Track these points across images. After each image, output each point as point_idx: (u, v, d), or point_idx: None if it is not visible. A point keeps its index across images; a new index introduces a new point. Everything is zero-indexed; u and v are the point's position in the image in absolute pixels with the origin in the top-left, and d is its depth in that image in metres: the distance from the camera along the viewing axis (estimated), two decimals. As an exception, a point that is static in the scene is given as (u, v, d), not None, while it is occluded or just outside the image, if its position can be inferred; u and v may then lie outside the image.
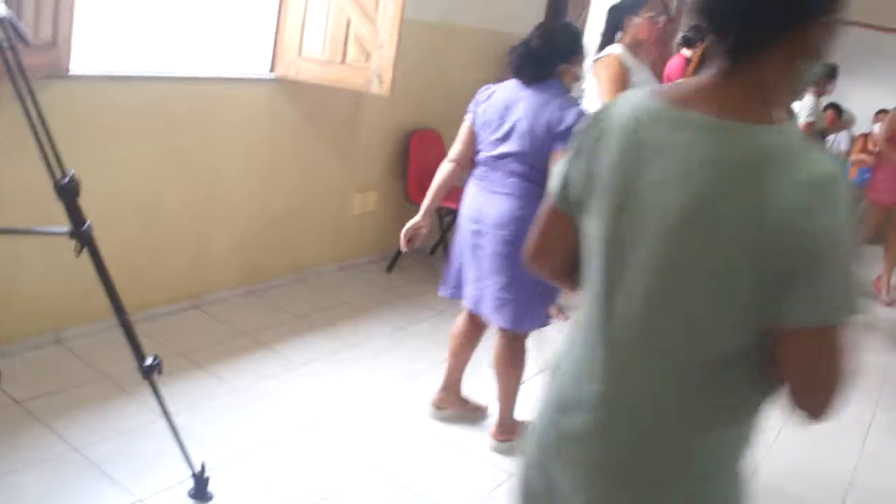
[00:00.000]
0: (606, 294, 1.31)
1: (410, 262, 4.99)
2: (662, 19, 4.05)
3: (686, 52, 6.62)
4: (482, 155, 3.09)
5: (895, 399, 4.49)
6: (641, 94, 1.32)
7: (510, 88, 3.07)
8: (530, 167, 2.93)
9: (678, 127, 1.24)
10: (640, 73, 3.86)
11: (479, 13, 5.13)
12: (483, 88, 3.15)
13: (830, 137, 8.53)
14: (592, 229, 1.34)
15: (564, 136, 2.81)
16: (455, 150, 3.17)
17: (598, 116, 1.37)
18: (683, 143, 1.22)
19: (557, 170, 1.44)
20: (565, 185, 1.41)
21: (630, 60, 3.84)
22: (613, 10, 4.08)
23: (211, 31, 4.03)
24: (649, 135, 1.26)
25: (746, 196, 1.15)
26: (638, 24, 3.94)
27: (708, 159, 1.19)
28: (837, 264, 1.14)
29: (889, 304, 6.44)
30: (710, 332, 1.23)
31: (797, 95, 1.27)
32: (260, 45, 4.10)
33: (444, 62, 5.01)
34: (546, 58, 3.03)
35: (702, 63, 4.79)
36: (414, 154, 4.88)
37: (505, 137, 3.00)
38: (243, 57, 4.12)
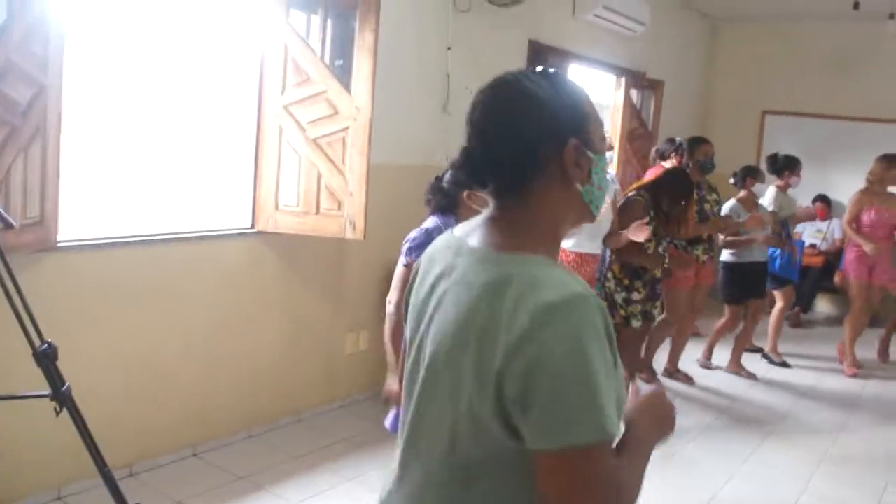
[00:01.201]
0: (406, 399, 1.42)
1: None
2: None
3: (664, 163, 6.91)
4: None
5: None
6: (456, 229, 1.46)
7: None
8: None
9: (458, 255, 1.34)
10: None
11: (454, 152, 5.43)
12: (414, 233, 3.40)
13: (822, 226, 8.75)
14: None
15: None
16: (394, 297, 3.29)
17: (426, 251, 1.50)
18: (458, 269, 1.32)
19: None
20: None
21: None
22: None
23: (192, 190, 4.34)
24: (440, 262, 1.38)
25: (487, 322, 1.20)
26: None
27: (469, 285, 1.27)
28: (569, 388, 1.13)
29: (853, 375, 6.62)
30: (461, 442, 1.26)
31: (585, 216, 1.38)
32: (240, 201, 4.40)
33: (422, 201, 5.27)
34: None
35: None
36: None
37: None
38: (225, 214, 4.41)
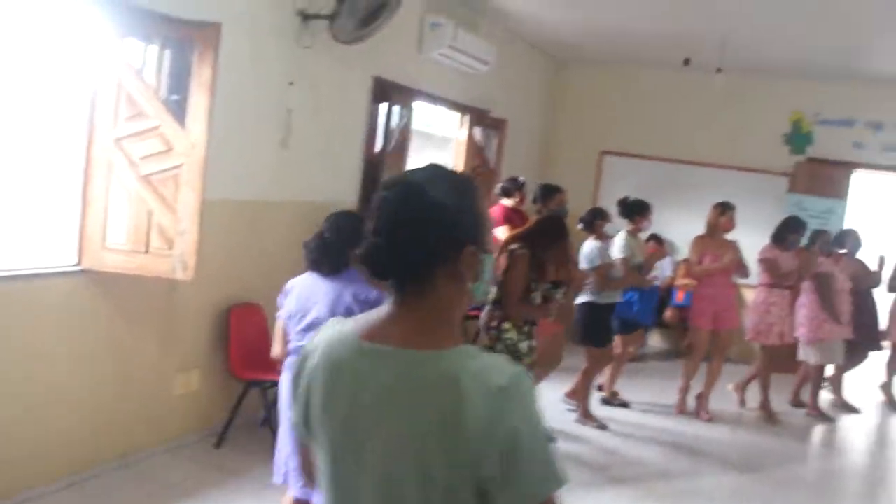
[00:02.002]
0: None
1: (239, 435, 5.01)
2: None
3: (506, 201, 7.07)
4: (292, 345, 3.28)
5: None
6: (341, 327, 1.49)
7: (309, 281, 3.29)
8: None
9: (369, 358, 1.41)
10: None
11: (293, 186, 5.38)
12: (288, 283, 3.38)
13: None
14: (321, 460, 1.49)
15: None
16: (276, 350, 3.38)
17: (305, 352, 1.53)
18: (386, 373, 1.38)
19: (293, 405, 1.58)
20: (300, 419, 1.54)
21: None
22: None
23: (14, 225, 4.11)
24: (348, 368, 1.43)
25: (449, 417, 1.32)
26: None
27: (398, 387, 1.37)
28: (538, 457, 1.33)
29: (708, 420, 6.80)
30: None
31: (467, 307, 1.53)
32: (65, 238, 4.19)
33: (260, 236, 5.20)
34: (340, 249, 3.27)
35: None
36: (235, 329, 4.97)
37: (308, 328, 3.20)
38: (47, 250, 4.19)
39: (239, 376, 4.89)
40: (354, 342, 1.43)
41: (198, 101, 4.01)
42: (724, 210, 6.81)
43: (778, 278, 6.94)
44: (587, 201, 9.20)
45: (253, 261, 5.16)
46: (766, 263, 6.96)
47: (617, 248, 6.57)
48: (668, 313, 7.49)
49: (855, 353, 7.64)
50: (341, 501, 1.45)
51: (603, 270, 6.20)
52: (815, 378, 7.44)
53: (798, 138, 9.23)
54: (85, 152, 4.15)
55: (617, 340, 6.84)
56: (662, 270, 9.13)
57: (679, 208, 8.97)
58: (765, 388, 7.11)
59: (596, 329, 6.29)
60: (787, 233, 6.98)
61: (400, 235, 1.39)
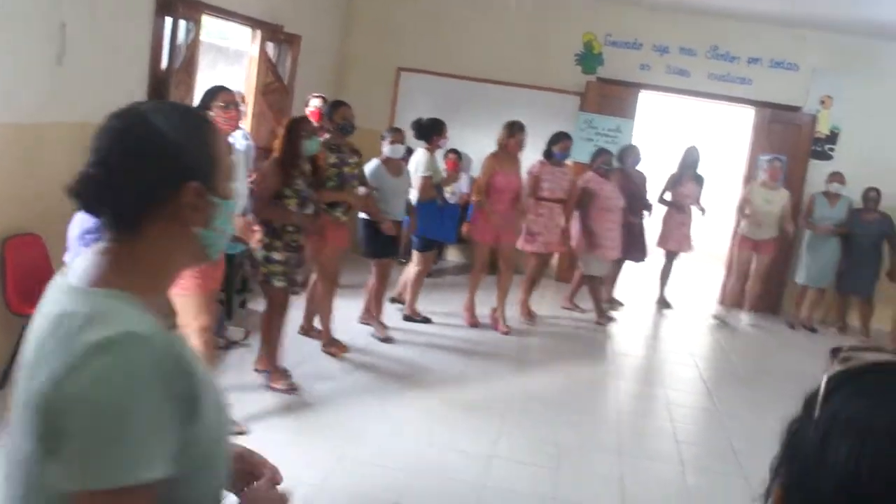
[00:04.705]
0: None
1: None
2: (234, 108, 4.40)
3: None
4: None
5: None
6: (72, 266, 1.35)
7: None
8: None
9: (52, 290, 1.31)
10: None
11: (72, 107, 5.01)
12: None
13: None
14: None
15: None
16: None
17: None
18: (45, 303, 1.29)
19: None
20: None
21: None
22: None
23: None
24: (46, 297, 1.32)
25: (42, 359, 1.19)
26: (212, 114, 4.31)
27: (43, 318, 1.25)
28: (101, 430, 1.11)
29: (506, 333, 7.14)
30: (32, 486, 1.21)
31: (201, 258, 1.40)
32: None
33: (36, 162, 4.83)
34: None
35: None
36: (11, 262, 4.64)
37: None
38: None
39: (16, 311, 4.58)
40: (63, 283, 1.30)
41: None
42: (511, 132, 7.04)
43: (543, 193, 7.35)
44: (385, 119, 9.21)
45: (29, 189, 4.80)
46: (530, 178, 7.35)
47: (419, 167, 6.72)
48: (465, 228, 7.70)
49: (623, 262, 8.48)
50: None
51: (429, 181, 6.66)
52: (592, 286, 8.07)
53: (589, 58, 9.57)
54: None
55: (418, 257, 7.05)
56: (459, 186, 9.33)
57: (476, 125, 9.16)
58: (526, 291, 7.70)
59: (374, 243, 6.43)
60: (551, 147, 7.39)
61: (114, 165, 1.27)
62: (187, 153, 1.31)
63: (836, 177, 8.80)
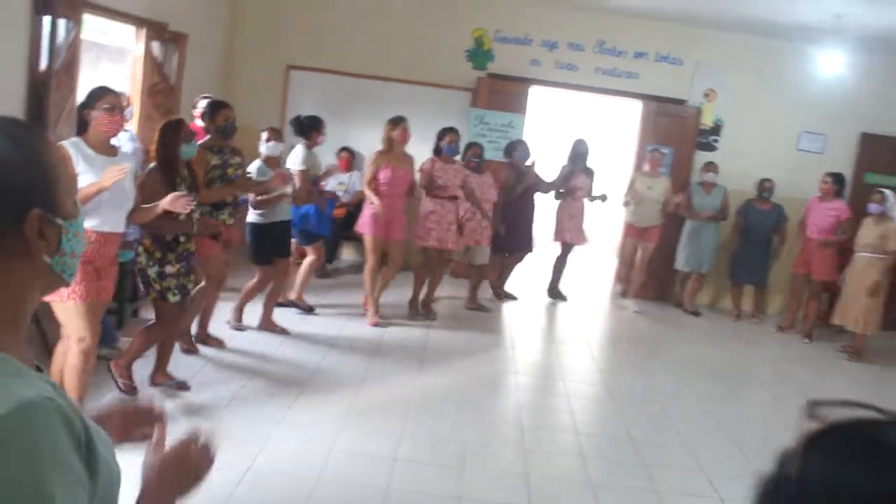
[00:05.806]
0: None
1: None
2: (119, 111, 4.30)
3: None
4: None
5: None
6: None
7: None
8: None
9: None
10: (94, 164, 4.20)
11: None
12: None
13: (345, 178, 9.26)
14: None
15: None
16: None
17: None
18: None
19: None
20: None
21: (84, 152, 4.19)
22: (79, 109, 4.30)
23: None
24: None
25: None
26: (96, 116, 4.24)
27: None
28: None
29: (374, 325, 7.29)
30: None
31: (57, 285, 1.25)
32: None
33: None
34: None
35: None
36: None
37: None
38: None
39: None
40: None
41: None
42: (395, 124, 7.15)
43: (436, 189, 7.45)
44: (275, 117, 9.07)
45: None
46: (423, 175, 7.46)
47: (296, 161, 6.75)
48: (358, 227, 7.74)
49: (512, 254, 8.73)
50: None
51: (306, 174, 6.71)
52: (480, 274, 8.39)
53: (480, 55, 9.64)
54: None
55: (306, 250, 7.35)
56: (353, 185, 9.31)
57: (369, 123, 9.09)
58: (418, 286, 7.77)
59: (257, 248, 6.50)
60: (439, 142, 7.49)
61: None
62: (23, 179, 1.14)
63: (710, 166, 9.25)
